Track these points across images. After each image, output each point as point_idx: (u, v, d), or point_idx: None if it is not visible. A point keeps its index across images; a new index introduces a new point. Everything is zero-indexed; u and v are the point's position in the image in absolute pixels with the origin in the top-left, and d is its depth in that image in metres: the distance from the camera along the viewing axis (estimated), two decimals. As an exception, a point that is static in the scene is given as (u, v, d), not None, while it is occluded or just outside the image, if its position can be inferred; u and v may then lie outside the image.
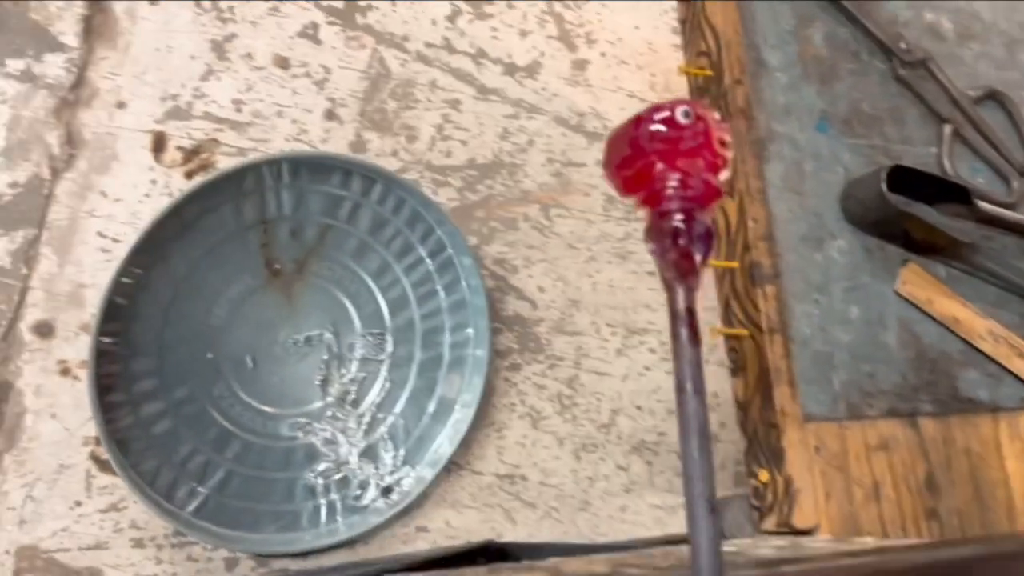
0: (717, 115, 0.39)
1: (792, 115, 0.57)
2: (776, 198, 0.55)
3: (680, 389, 0.37)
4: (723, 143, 0.38)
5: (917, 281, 0.58)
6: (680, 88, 0.98)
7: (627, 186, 0.41)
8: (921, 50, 0.61)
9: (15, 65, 0.84)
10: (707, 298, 0.88)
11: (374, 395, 0.87)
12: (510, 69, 1.02)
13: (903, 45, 0.61)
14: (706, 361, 0.84)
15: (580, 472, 0.95)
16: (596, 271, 1.00)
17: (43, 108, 0.84)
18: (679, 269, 0.37)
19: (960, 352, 0.57)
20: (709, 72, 0.58)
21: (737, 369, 0.56)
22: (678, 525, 0.97)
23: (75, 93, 0.85)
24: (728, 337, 0.56)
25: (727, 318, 0.57)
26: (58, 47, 0.86)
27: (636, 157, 0.39)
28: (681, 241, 0.37)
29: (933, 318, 0.58)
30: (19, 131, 0.83)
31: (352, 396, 0.86)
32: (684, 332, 0.37)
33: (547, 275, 0.98)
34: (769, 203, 0.55)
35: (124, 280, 0.75)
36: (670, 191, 0.38)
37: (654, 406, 0.98)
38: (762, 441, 0.53)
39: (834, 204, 0.58)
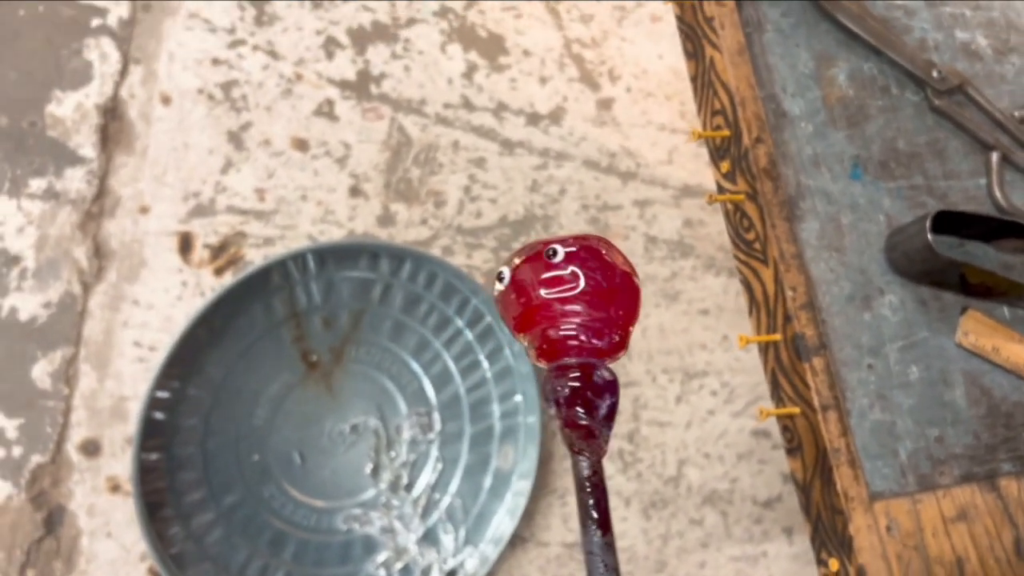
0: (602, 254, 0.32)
1: (822, 166, 0.53)
2: (814, 259, 0.51)
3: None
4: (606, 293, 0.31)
5: (979, 329, 0.53)
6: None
7: (518, 322, 0.33)
8: (956, 75, 0.56)
9: (38, 185, 0.84)
10: (756, 372, 0.85)
11: (427, 476, 0.84)
12: (533, 118, 0.99)
13: (936, 73, 0.56)
14: (765, 434, 0.80)
15: (651, 531, 0.91)
16: (644, 316, 0.96)
17: (68, 224, 0.84)
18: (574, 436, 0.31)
19: (1037, 404, 0.52)
20: (726, 132, 0.54)
21: (793, 449, 0.52)
22: None
23: (98, 204, 0.85)
24: (780, 416, 0.52)
25: (776, 395, 0.53)
26: (77, 160, 0.85)
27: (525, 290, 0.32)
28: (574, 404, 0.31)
29: (1003, 367, 0.53)
30: (47, 250, 0.83)
31: (405, 480, 0.84)
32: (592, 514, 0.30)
33: (594, 327, 0.94)
34: (807, 266, 0.51)
35: (160, 395, 0.74)
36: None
37: (722, 452, 0.94)
38: (828, 527, 0.49)
39: (879, 257, 0.53)
